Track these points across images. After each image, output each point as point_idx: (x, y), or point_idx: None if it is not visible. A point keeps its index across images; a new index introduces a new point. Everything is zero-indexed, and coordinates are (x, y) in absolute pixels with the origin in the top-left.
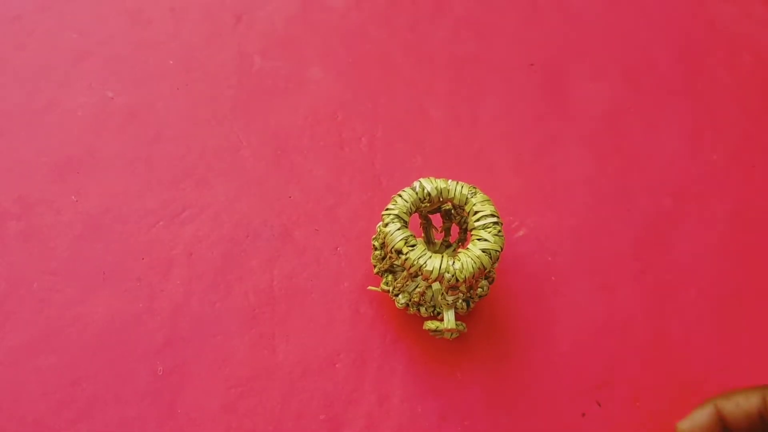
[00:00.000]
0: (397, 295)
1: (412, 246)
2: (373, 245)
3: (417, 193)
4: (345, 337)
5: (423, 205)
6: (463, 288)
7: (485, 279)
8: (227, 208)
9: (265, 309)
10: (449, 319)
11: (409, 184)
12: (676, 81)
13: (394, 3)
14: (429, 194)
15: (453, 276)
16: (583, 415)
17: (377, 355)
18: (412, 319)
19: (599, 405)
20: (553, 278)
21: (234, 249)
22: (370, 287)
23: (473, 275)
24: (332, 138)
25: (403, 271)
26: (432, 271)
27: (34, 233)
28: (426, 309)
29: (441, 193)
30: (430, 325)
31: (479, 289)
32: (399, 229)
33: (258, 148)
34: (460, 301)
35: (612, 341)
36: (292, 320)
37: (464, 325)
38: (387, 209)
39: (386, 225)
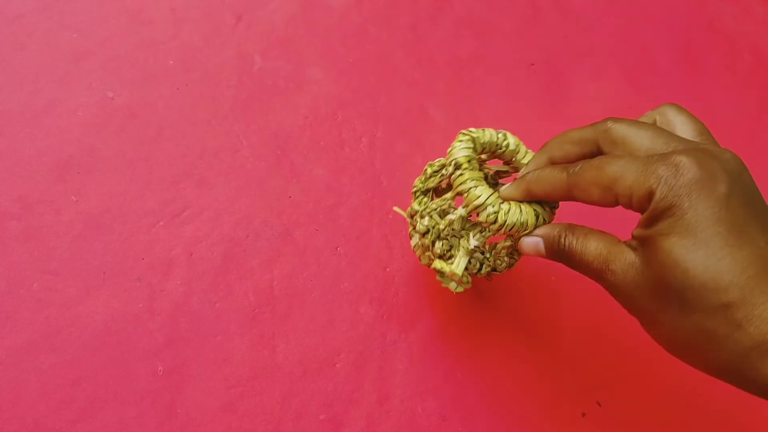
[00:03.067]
0: (423, 217)
1: (473, 168)
2: (424, 173)
3: (489, 138)
4: (345, 337)
5: (481, 155)
6: (487, 234)
7: (507, 255)
8: (227, 208)
9: (265, 309)
10: (459, 265)
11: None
12: (676, 81)
13: (395, 3)
14: (500, 146)
15: (494, 213)
16: (584, 414)
17: (377, 355)
18: (412, 320)
19: (599, 405)
20: (553, 278)
21: (234, 249)
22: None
23: (511, 227)
24: (332, 138)
25: (446, 192)
26: (478, 197)
27: (34, 233)
28: (442, 246)
29: (504, 148)
30: (437, 264)
31: (498, 261)
32: (468, 149)
33: (258, 148)
34: (478, 255)
35: (612, 341)
36: (292, 320)
37: (470, 279)
38: (465, 131)
39: (459, 141)
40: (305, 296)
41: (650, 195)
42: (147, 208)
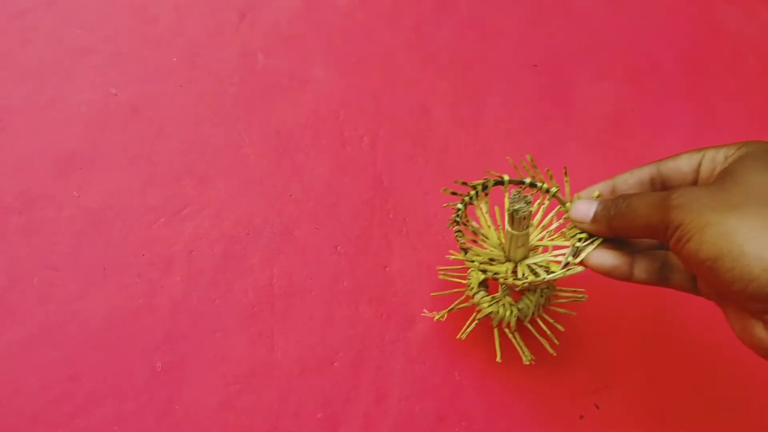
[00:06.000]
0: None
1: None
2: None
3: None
4: (344, 336)
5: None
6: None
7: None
8: (228, 206)
9: (264, 307)
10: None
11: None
12: (680, 83)
13: (399, 2)
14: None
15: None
16: (581, 417)
17: (375, 354)
18: (411, 320)
19: (597, 407)
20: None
21: (234, 246)
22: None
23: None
24: (334, 137)
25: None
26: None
27: (35, 228)
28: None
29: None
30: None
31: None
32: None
33: (260, 146)
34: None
35: (611, 344)
36: (291, 318)
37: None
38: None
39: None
40: (304, 294)
41: None
42: (148, 204)
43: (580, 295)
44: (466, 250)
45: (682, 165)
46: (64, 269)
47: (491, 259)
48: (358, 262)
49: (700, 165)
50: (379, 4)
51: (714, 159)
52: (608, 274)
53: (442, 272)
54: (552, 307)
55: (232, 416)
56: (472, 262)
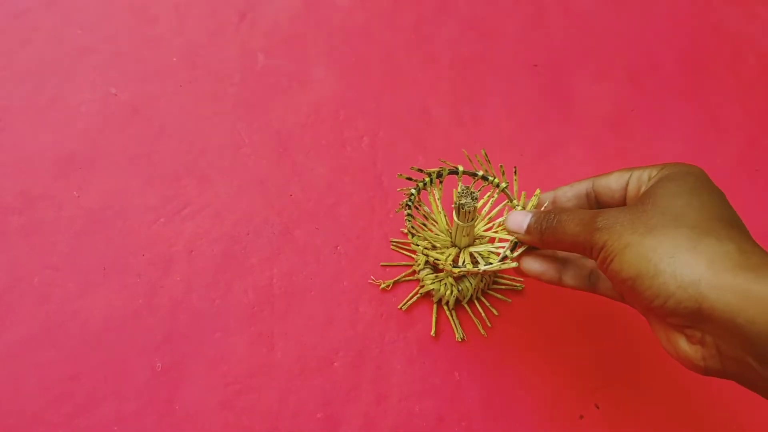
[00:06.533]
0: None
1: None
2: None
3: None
4: (344, 336)
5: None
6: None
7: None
8: (228, 206)
9: (264, 307)
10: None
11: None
12: (680, 83)
13: (399, 2)
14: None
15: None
16: (581, 417)
17: (376, 354)
18: (411, 319)
19: (598, 407)
20: None
21: (234, 246)
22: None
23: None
24: (334, 137)
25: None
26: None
27: (35, 228)
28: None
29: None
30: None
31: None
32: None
33: (260, 146)
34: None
35: (611, 344)
36: (291, 318)
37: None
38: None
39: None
40: (304, 294)
41: None
42: (148, 204)
43: (518, 284)
44: (413, 234)
45: (612, 182)
46: (64, 269)
47: (434, 245)
48: (358, 262)
49: (628, 184)
50: (379, 4)
51: (640, 179)
52: (537, 278)
53: (395, 244)
54: (490, 292)
55: (231, 416)
56: (417, 246)
